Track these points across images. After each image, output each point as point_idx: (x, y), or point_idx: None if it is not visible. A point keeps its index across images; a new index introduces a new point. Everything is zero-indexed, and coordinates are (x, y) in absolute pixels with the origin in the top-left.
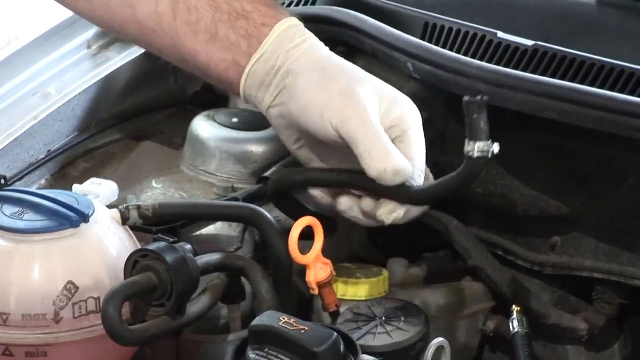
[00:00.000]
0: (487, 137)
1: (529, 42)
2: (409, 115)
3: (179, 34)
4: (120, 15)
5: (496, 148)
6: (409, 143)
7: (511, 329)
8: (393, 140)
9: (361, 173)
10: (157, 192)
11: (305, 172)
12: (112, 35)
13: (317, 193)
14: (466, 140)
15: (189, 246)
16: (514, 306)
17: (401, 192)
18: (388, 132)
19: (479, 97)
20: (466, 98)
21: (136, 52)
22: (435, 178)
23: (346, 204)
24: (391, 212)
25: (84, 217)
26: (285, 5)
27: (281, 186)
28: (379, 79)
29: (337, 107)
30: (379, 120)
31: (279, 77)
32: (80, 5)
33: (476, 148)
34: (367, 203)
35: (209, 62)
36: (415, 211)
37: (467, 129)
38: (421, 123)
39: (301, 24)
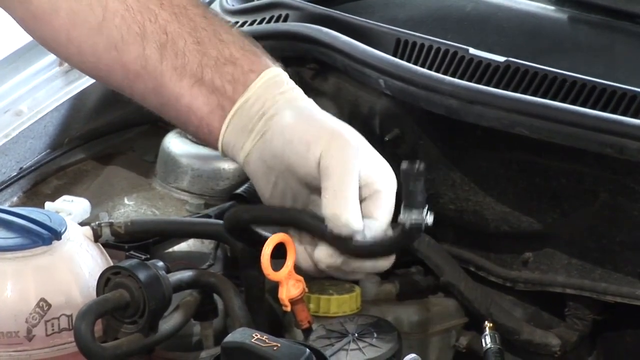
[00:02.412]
0: (421, 208)
1: (501, 59)
2: (385, 180)
3: (164, 77)
4: (106, 59)
5: (430, 219)
6: (377, 203)
7: (483, 345)
8: (362, 198)
9: (309, 214)
10: (129, 209)
11: (252, 210)
12: None
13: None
14: (402, 207)
15: (161, 263)
16: (486, 322)
17: (339, 241)
18: (360, 188)
19: (416, 166)
20: (403, 166)
21: None
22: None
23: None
24: (329, 257)
25: (56, 235)
26: (257, 22)
27: (232, 224)
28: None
29: (324, 141)
30: (357, 169)
31: (262, 122)
32: (71, 50)
33: (410, 219)
34: (307, 240)
35: (191, 105)
36: (356, 267)
37: (403, 197)
38: (395, 189)
39: (286, 74)
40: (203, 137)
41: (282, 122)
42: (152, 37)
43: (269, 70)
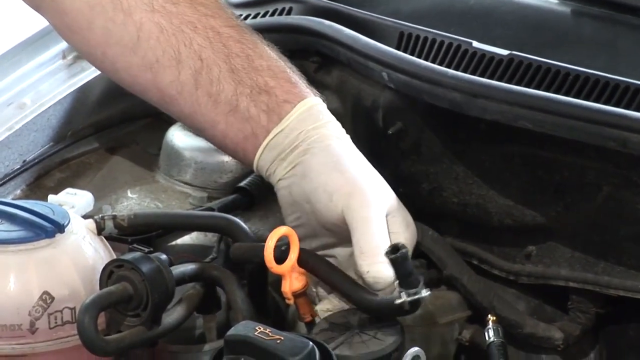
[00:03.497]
0: (415, 285)
1: (504, 52)
2: (407, 236)
3: (199, 103)
4: (142, 79)
5: (426, 293)
6: None
7: (486, 338)
8: None
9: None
10: (132, 202)
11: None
12: None
13: None
14: (397, 287)
15: (164, 256)
16: (489, 315)
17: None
18: None
19: (399, 253)
20: (387, 256)
21: None
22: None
23: None
24: (325, 311)
25: (60, 228)
26: (260, 15)
27: (237, 259)
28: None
29: (345, 194)
30: (381, 223)
31: (295, 154)
32: (107, 66)
33: (407, 296)
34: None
35: (226, 132)
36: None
37: (397, 280)
38: (415, 243)
39: (324, 104)
40: (239, 159)
41: (310, 166)
42: (187, 63)
43: (305, 102)
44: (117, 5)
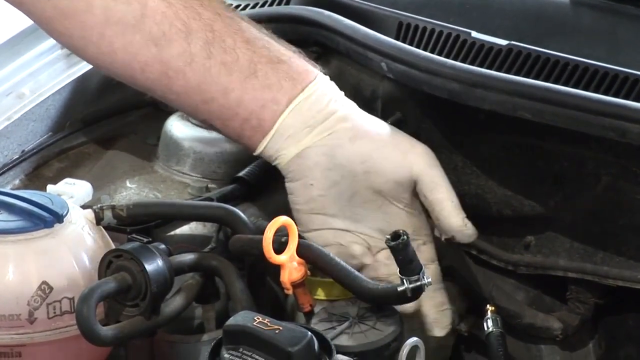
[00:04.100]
0: (416, 272)
1: (503, 42)
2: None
3: (211, 73)
4: (142, 56)
5: (427, 280)
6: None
7: (485, 328)
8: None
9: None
10: (131, 192)
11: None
12: None
13: None
14: (399, 275)
15: (163, 246)
16: (488, 306)
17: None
18: None
19: (399, 240)
20: (389, 243)
21: None
22: None
23: None
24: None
25: (58, 218)
26: (259, 5)
27: (236, 252)
28: None
29: (422, 153)
30: None
31: (331, 120)
32: (102, 48)
33: (408, 284)
34: None
35: (241, 99)
36: None
37: (398, 268)
38: None
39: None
40: (248, 132)
41: (363, 128)
42: (197, 35)
43: (323, 74)
44: None
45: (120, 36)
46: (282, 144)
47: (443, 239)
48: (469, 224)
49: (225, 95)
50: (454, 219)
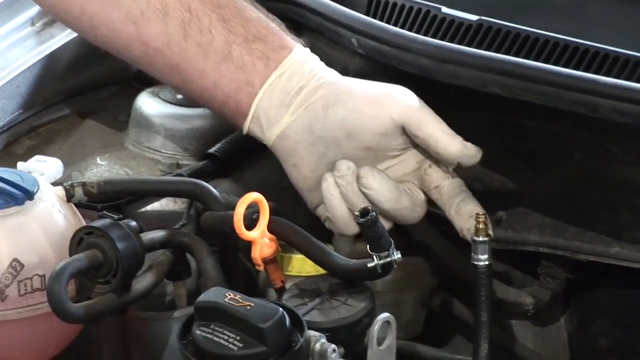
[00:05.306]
0: (386, 248)
1: (474, 17)
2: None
3: (187, 54)
4: (124, 34)
5: (397, 256)
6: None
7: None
8: None
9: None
10: (101, 169)
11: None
12: None
13: None
14: (369, 251)
15: (134, 223)
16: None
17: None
18: None
19: (368, 216)
20: (357, 220)
21: None
22: None
23: None
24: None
25: (29, 195)
26: None
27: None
28: None
29: (399, 97)
30: None
31: (303, 95)
32: (84, 24)
33: (378, 260)
34: None
35: (217, 83)
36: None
37: (368, 244)
38: None
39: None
40: (229, 114)
41: (335, 94)
42: (174, 14)
43: (300, 47)
44: None
45: (102, 12)
46: (263, 126)
47: (451, 170)
48: (469, 145)
49: (202, 78)
50: (451, 145)
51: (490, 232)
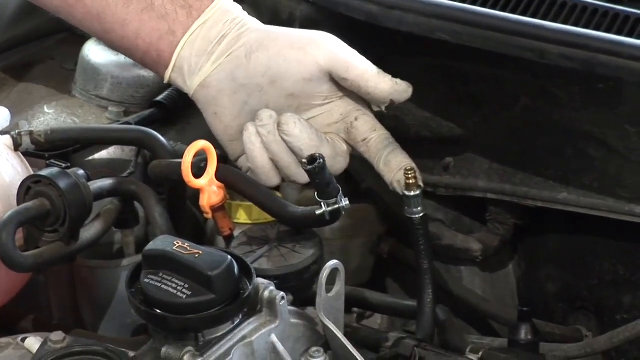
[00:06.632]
0: (334, 195)
1: None
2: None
3: (108, 3)
4: None
5: (345, 202)
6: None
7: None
8: None
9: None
10: (49, 118)
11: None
12: None
13: None
14: (317, 198)
15: (81, 171)
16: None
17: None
18: None
19: (315, 163)
20: (305, 167)
21: None
22: None
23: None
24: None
25: None
26: None
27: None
28: None
29: (324, 42)
30: None
31: (225, 44)
32: None
33: (326, 207)
34: None
35: (139, 32)
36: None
37: (315, 191)
38: None
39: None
40: (150, 63)
41: (257, 41)
42: None
43: None
44: None
45: None
46: (185, 75)
47: (384, 109)
48: (399, 81)
49: (123, 28)
50: (382, 83)
51: (421, 183)
